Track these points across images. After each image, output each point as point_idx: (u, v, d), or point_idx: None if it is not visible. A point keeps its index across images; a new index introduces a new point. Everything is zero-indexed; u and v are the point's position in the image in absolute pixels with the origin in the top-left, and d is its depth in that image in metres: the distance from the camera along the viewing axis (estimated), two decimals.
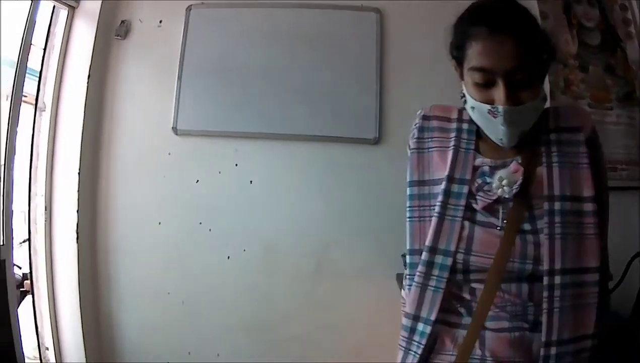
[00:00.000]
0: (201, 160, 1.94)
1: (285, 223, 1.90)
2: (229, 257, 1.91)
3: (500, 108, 0.71)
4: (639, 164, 2.12)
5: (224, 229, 1.92)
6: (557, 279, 0.70)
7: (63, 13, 2.09)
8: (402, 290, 0.95)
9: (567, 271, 0.70)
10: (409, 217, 0.81)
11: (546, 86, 1.98)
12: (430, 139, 0.84)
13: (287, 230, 1.90)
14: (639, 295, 2.11)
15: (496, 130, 0.74)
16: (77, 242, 1.97)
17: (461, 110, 0.85)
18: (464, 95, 0.79)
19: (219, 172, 1.92)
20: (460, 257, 0.74)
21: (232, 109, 1.91)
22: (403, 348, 0.79)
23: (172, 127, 1.93)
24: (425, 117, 0.85)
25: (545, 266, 0.70)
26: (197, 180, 1.92)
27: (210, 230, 1.91)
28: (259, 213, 1.91)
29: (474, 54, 0.73)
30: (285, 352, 1.88)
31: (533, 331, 0.72)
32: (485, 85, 0.73)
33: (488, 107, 0.73)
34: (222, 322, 1.92)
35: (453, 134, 0.82)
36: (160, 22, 2.03)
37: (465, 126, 0.83)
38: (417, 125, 0.86)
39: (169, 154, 1.95)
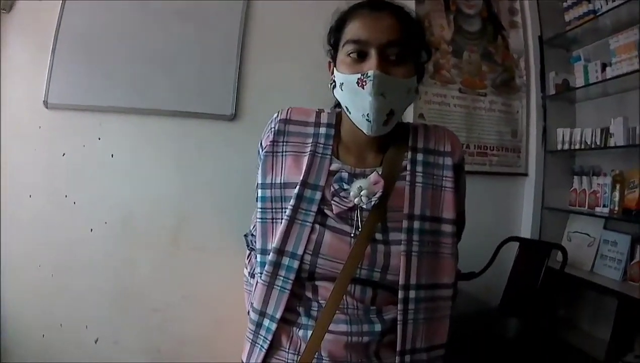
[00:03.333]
0: (68, 134, 1.93)
1: (144, 197, 1.91)
2: (92, 230, 1.91)
3: (371, 72, 0.71)
4: (510, 150, 2.13)
5: (87, 202, 1.91)
6: (412, 294, 0.72)
7: None
8: (245, 268, 0.97)
9: (421, 286, 0.73)
10: (261, 218, 0.80)
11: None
12: (285, 143, 0.82)
13: (146, 203, 1.91)
14: (509, 282, 2.15)
15: (363, 104, 0.72)
16: None
17: (319, 113, 0.84)
18: (333, 82, 0.79)
19: (84, 146, 1.91)
20: (307, 258, 0.74)
21: (98, 83, 1.90)
22: (250, 341, 0.80)
23: (43, 101, 1.95)
24: (282, 121, 0.82)
25: (401, 281, 0.71)
26: (64, 154, 1.93)
27: (74, 203, 1.92)
28: (119, 187, 1.91)
29: (352, 29, 0.75)
30: (149, 322, 1.91)
31: (372, 336, 0.74)
32: (358, 58, 0.73)
33: (358, 75, 0.72)
34: (89, 293, 1.92)
35: (310, 139, 0.81)
36: None
37: (322, 131, 0.82)
38: (274, 128, 0.82)
39: (39, 127, 1.96)
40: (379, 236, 0.74)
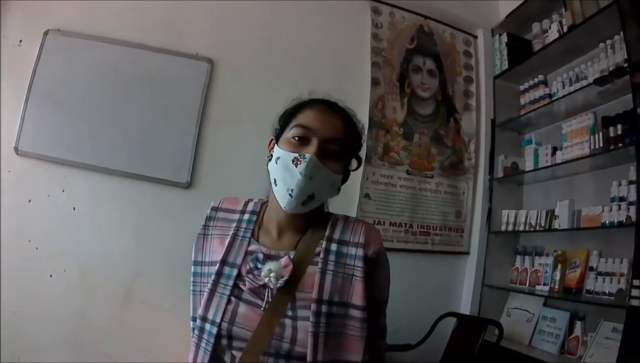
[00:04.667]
0: (35, 182, 2.04)
1: (101, 251, 2.01)
2: (51, 276, 2.02)
3: (308, 155, 0.81)
4: (453, 230, 2.21)
5: (48, 249, 2.02)
6: None
7: None
8: None
9: None
10: (192, 290, 0.91)
11: (363, 150, 2.10)
12: (214, 227, 0.93)
13: (103, 257, 2.01)
14: (444, 356, 2.24)
15: (291, 180, 0.82)
16: None
17: (247, 202, 0.96)
18: (270, 156, 0.89)
19: (48, 195, 2.02)
20: (225, 325, 0.81)
21: (66, 136, 2.02)
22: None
23: (14, 147, 2.08)
24: (213, 209, 0.95)
25: (309, 358, 0.77)
26: (30, 200, 2.05)
27: (37, 248, 2.02)
28: (79, 238, 2.01)
29: (305, 116, 0.85)
30: None
31: None
32: (300, 141, 0.84)
33: (295, 155, 0.82)
34: (46, 335, 2.02)
35: (234, 224, 0.92)
36: (20, 41, 2.12)
37: (246, 217, 0.93)
38: (207, 214, 0.95)
39: (9, 171, 2.07)
40: (288, 312, 0.81)
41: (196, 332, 0.84)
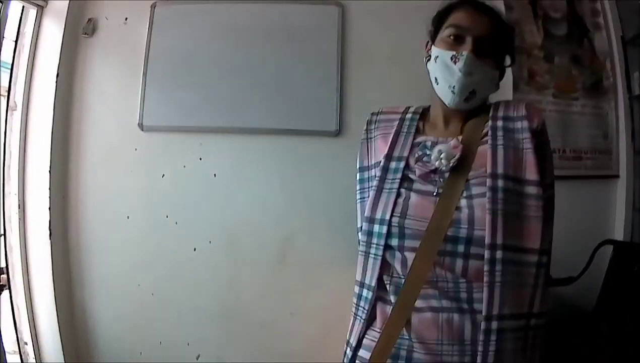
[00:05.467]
0: (166, 155, 1.95)
1: (249, 216, 1.92)
2: (195, 249, 1.93)
3: (465, 52, 0.82)
4: (603, 153, 2.12)
5: (189, 222, 1.94)
6: (499, 254, 0.70)
7: (32, 13, 2.10)
8: None
9: (507, 247, 0.71)
10: (360, 198, 0.90)
11: (509, 78, 2.00)
12: (376, 128, 0.94)
13: (251, 222, 1.92)
14: (603, 286, 2.14)
15: (452, 77, 0.83)
16: (51, 239, 2.00)
17: (407, 107, 0.95)
18: (428, 55, 0.90)
19: (184, 166, 1.93)
20: (395, 220, 0.77)
21: (195, 104, 1.92)
22: (353, 314, 0.86)
23: (138, 123, 1.95)
24: (373, 114, 0.98)
25: (487, 240, 0.71)
26: (163, 175, 1.94)
27: (176, 223, 1.93)
28: (222, 206, 1.92)
29: (457, 16, 0.87)
30: (252, 339, 1.92)
31: (463, 312, 0.73)
32: (456, 39, 0.85)
33: (453, 52, 0.83)
34: (191, 312, 1.95)
35: (397, 123, 0.92)
36: (126, 19, 2.04)
37: (409, 116, 0.93)
38: (367, 121, 0.98)
39: (136, 149, 1.97)
40: (463, 194, 0.77)
41: (363, 238, 0.81)
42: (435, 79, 0.87)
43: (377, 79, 1.91)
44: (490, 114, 0.85)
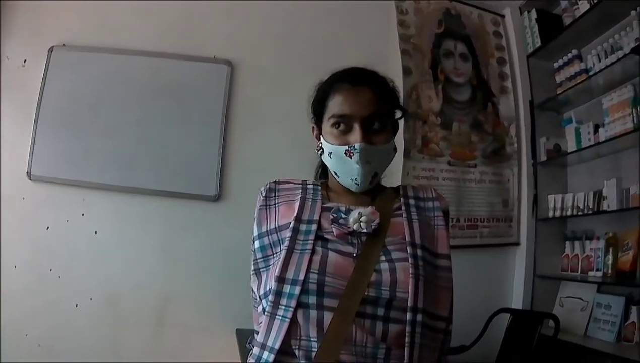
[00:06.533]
0: (52, 207, 1.91)
1: (128, 275, 1.89)
2: (77, 305, 1.89)
3: (357, 145, 0.80)
4: (503, 221, 2.09)
5: (72, 277, 1.89)
6: (419, 317, 0.72)
7: None
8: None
9: (426, 312, 0.73)
10: (257, 269, 0.83)
11: (401, 143, 1.98)
12: (277, 196, 0.88)
13: (130, 281, 1.89)
14: (500, 354, 2.12)
15: (351, 171, 0.81)
16: None
17: (304, 180, 0.92)
18: (320, 148, 0.87)
19: (67, 221, 1.89)
20: (314, 277, 0.74)
21: (81, 157, 1.89)
22: None
23: (27, 172, 1.93)
24: (272, 183, 0.90)
25: (410, 302, 0.72)
26: (48, 227, 1.91)
27: (59, 277, 1.88)
28: (103, 264, 1.89)
29: (336, 103, 0.83)
30: None
31: None
32: (344, 131, 0.82)
33: (345, 147, 0.81)
34: None
35: (299, 190, 0.88)
36: (25, 61, 2.00)
37: (310, 185, 0.90)
38: (264, 190, 0.89)
39: (23, 198, 1.93)
40: (382, 257, 0.76)
41: (270, 300, 0.76)
42: (335, 173, 0.86)
43: (263, 142, 1.90)
44: (401, 193, 0.88)
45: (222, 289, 1.85)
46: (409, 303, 0.72)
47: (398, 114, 0.90)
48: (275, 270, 0.77)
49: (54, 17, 2.05)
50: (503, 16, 2.30)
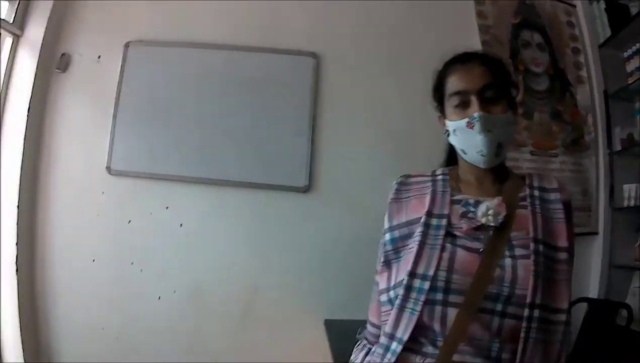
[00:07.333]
0: (134, 201, 1.91)
1: (214, 267, 1.88)
2: (159, 298, 1.89)
3: (476, 114, 0.84)
4: (582, 210, 2.09)
5: (155, 270, 1.89)
6: (536, 312, 0.75)
7: (8, 41, 2.06)
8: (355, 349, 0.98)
9: (544, 307, 0.76)
10: (386, 261, 0.87)
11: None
12: (407, 191, 0.93)
13: (216, 273, 1.88)
14: (576, 343, 2.12)
15: (475, 143, 0.84)
16: (17, 275, 1.93)
17: (433, 171, 0.96)
18: (446, 131, 0.92)
19: (150, 214, 1.89)
20: (442, 275, 0.78)
21: (164, 151, 1.88)
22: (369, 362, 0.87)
23: (106, 167, 1.91)
24: (403, 177, 0.96)
25: (528, 298, 0.75)
26: (130, 221, 1.90)
27: (141, 270, 1.89)
28: (188, 256, 1.88)
29: (452, 83, 0.89)
30: None
31: None
32: (462, 106, 0.86)
33: (466, 119, 0.85)
34: (153, 360, 1.88)
35: (429, 183, 0.92)
36: (99, 57, 1.99)
37: (440, 177, 0.93)
38: (396, 185, 0.95)
39: (103, 193, 1.92)
40: (505, 252, 0.80)
41: (401, 293, 0.81)
42: (462, 150, 0.89)
43: (352, 133, 1.88)
44: (527, 183, 0.90)
45: (311, 281, 1.83)
46: (528, 300, 0.75)
47: (514, 93, 0.92)
48: (407, 264, 0.81)
49: (129, 12, 2.05)
50: (574, 6, 2.29)
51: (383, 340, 0.83)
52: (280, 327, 1.87)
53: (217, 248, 1.88)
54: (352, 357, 0.97)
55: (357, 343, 0.98)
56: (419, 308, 0.78)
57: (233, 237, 1.88)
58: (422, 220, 0.84)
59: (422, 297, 0.77)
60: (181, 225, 1.89)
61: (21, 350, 1.96)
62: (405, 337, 0.79)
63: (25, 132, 1.97)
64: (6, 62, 2.05)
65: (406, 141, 1.92)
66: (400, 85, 1.95)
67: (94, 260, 1.94)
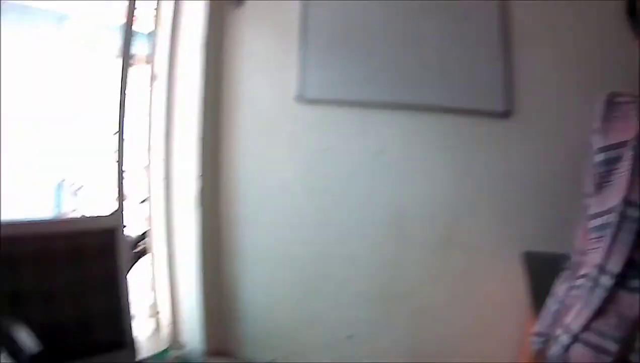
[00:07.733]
0: (328, 129, 1.89)
1: (415, 195, 1.82)
2: (358, 225, 1.87)
3: None
4: None
5: (351, 198, 1.87)
6: None
7: None
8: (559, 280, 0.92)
9: None
10: (607, 181, 0.79)
11: None
12: (616, 110, 0.84)
13: (417, 200, 1.82)
14: None
15: None
16: (198, 208, 1.99)
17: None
18: None
19: (345, 141, 1.86)
20: None
21: (359, 77, 1.83)
22: (579, 302, 0.78)
23: (297, 95, 1.89)
24: (610, 95, 0.85)
25: None
26: (326, 149, 1.88)
27: (336, 198, 1.88)
28: (388, 184, 1.84)
29: None
30: (408, 323, 1.86)
31: None
32: None
33: None
34: (346, 290, 1.91)
35: (636, 105, 0.81)
36: None
37: None
38: (605, 102, 0.86)
39: (292, 122, 1.92)
40: None
41: (613, 222, 0.74)
42: None
43: (551, 54, 1.67)
44: None
45: (510, 211, 1.73)
46: None
47: None
48: (620, 190, 0.75)
49: None
50: None
51: (592, 271, 0.77)
52: (476, 257, 1.79)
53: (418, 175, 1.82)
54: (555, 288, 0.90)
55: (561, 274, 0.91)
56: (631, 239, 0.72)
57: (433, 163, 1.81)
58: (633, 143, 0.76)
59: (635, 227, 0.71)
60: (381, 151, 1.83)
61: (198, 281, 2.04)
62: (617, 269, 0.73)
63: (202, 67, 1.97)
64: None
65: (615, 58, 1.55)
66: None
67: (284, 190, 1.95)
